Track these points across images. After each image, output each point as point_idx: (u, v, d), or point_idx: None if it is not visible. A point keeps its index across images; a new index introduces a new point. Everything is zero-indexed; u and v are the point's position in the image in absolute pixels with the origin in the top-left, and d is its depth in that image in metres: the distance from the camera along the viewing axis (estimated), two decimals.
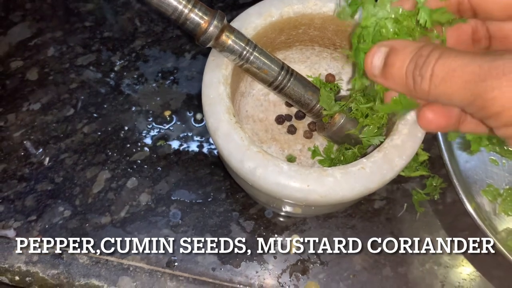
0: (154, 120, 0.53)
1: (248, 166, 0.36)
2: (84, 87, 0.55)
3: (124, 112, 0.54)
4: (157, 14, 0.58)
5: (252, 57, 0.37)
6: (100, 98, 0.55)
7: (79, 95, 0.55)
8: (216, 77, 0.38)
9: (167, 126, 0.53)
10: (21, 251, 0.47)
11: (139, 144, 0.52)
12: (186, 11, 0.35)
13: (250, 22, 0.40)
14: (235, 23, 0.40)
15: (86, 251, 0.48)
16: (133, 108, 0.54)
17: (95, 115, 0.54)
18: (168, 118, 0.53)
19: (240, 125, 0.37)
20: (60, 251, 0.47)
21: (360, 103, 0.41)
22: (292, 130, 0.46)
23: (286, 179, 0.35)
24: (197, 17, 0.35)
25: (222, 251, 0.48)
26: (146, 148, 0.52)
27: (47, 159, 0.52)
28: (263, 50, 0.38)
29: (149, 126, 0.53)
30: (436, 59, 0.26)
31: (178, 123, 0.53)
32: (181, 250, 0.48)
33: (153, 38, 0.57)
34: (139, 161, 0.52)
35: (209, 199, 0.50)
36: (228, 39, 0.36)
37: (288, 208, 0.45)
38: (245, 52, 0.37)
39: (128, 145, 0.52)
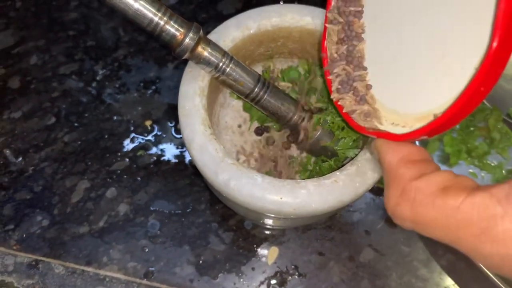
0: (135, 129, 0.53)
1: (222, 178, 0.36)
2: (66, 96, 0.55)
3: (105, 122, 0.54)
4: None
5: (228, 69, 0.38)
6: (82, 107, 0.54)
7: (60, 104, 0.55)
8: (192, 88, 0.38)
9: (147, 136, 0.53)
10: None
11: (119, 153, 0.52)
12: (161, 23, 0.35)
13: (228, 34, 0.41)
14: (213, 35, 0.40)
15: (63, 261, 0.47)
16: (114, 118, 0.54)
17: (76, 124, 0.54)
18: (149, 128, 0.53)
19: (215, 137, 0.37)
20: (36, 261, 0.47)
21: (336, 116, 0.41)
22: (270, 142, 0.46)
23: (260, 191, 0.35)
24: (172, 29, 0.35)
25: (200, 262, 0.48)
26: (126, 158, 0.52)
27: (27, 167, 0.52)
28: (240, 63, 0.38)
29: (129, 136, 0.53)
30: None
31: (159, 133, 0.53)
32: (159, 261, 0.48)
33: (136, 48, 0.57)
34: (118, 171, 0.52)
35: (188, 210, 0.50)
36: (204, 51, 0.37)
37: (266, 220, 0.45)
38: (221, 64, 0.37)
39: (108, 155, 0.52)
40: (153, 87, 0.55)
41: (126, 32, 0.58)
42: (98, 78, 0.56)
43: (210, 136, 0.37)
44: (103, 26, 0.58)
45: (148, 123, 0.54)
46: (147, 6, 0.35)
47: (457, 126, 0.52)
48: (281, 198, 0.35)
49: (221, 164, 0.36)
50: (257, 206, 0.36)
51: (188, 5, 0.60)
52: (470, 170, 0.52)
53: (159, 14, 0.35)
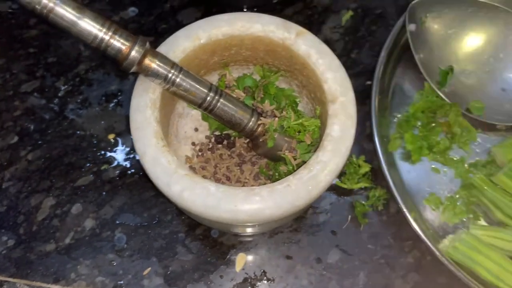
0: (98, 144, 0.53)
1: (175, 190, 0.36)
2: (28, 114, 0.55)
3: (69, 138, 0.54)
4: None
5: (178, 80, 0.38)
6: (45, 124, 0.54)
7: (23, 122, 0.54)
8: (144, 101, 0.38)
9: (111, 150, 0.53)
10: None
11: (84, 169, 0.52)
12: (106, 38, 0.35)
13: (178, 45, 0.41)
14: (163, 47, 0.41)
15: (30, 281, 0.47)
16: (78, 133, 0.54)
17: (39, 141, 0.53)
18: (113, 141, 0.53)
19: (168, 149, 0.37)
20: (1, 283, 0.47)
21: (290, 121, 0.41)
22: (231, 149, 0.46)
23: (214, 201, 0.35)
24: (118, 43, 0.35)
25: (168, 273, 0.48)
26: (90, 173, 0.52)
27: None
28: (190, 73, 0.39)
29: (93, 150, 0.53)
30: None
31: (123, 146, 0.53)
32: (127, 274, 0.48)
33: (97, 62, 0.57)
34: (83, 187, 0.51)
35: (154, 222, 0.50)
36: (152, 63, 0.37)
37: (231, 228, 0.45)
38: (170, 75, 0.37)
39: (73, 171, 0.52)
40: (115, 100, 0.55)
41: (87, 47, 0.58)
42: (60, 94, 0.56)
43: (163, 148, 0.37)
44: (64, 41, 0.58)
45: (111, 136, 0.54)
46: (91, 22, 0.35)
47: (419, 123, 0.53)
48: (235, 206, 0.35)
49: (174, 176, 0.36)
50: (212, 216, 0.36)
51: (148, 16, 0.60)
52: (433, 166, 0.53)
53: (104, 30, 0.35)
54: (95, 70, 0.57)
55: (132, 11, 0.60)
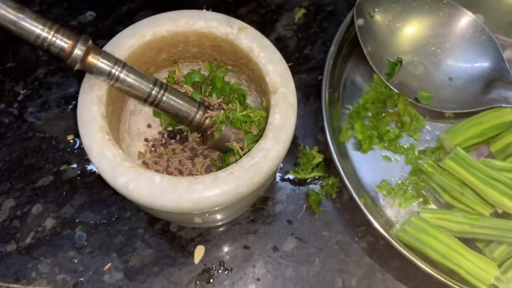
0: (57, 145, 0.54)
1: (121, 181, 0.37)
2: None
3: (28, 140, 0.54)
4: None
5: (122, 76, 0.39)
6: (4, 128, 0.55)
7: None
8: (89, 98, 0.40)
9: (70, 150, 0.54)
10: None
11: (43, 170, 0.53)
12: (49, 37, 0.36)
13: (124, 43, 0.42)
14: (109, 46, 0.42)
15: None
16: (37, 135, 0.55)
17: None
18: (72, 142, 0.54)
19: (113, 143, 0.38)
20: None
21: (236, 113, 0.43)
22: (183, 143, 0.48)
23: (159, 190, 0.37)
24: (61, 42, 0.37)
25: (128, 267, 0.49)
26: (50, 174, 0.53)
27: None
28: (133, 69, 0.40)
29: (52, 151, 0.54)
30: None
31: (82, 146, 0.54)
32: (88, 270, 0.49)
33: (56, 65, 0.58)
34: (43, 187, 0.52)
35: (113, 219, 0.51)
36: (95, 60, 0.38)
37: (187, 220, 0.46)
38: (114, 71, 0.39)
39: (33, 172, 0.53)
40: (74, 102, 0.56)
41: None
42: (19, 98, 0.57)
43: (108, 142, 0.38)
44: (22, 47, 0.59)
45: (70, 137, 0.55)
46: (32, 22, 0.36)
47: (369, 113, 0.55)
48: (179, 195, 0.37)
49: (119, 168, 0.37)
50: (157, 205, 0.37)
51: (105, 20, 0.61)
52: (384, 154, 0.54)
53: (46, 29, 0.36)
54: (54, 74, 0.58)
55: (89, 15, 0.61)
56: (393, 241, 0.47)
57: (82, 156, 0.54)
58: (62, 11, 0.61)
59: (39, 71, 0.58)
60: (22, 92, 0.57)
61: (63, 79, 0.58)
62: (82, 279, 0.49)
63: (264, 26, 0.61)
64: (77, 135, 0.55)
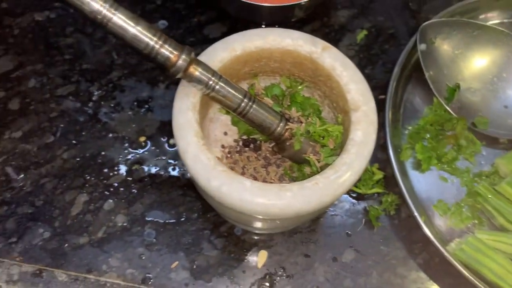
0: (130, 145, 0.57)
1: (214, 184, 0.39)
2: (64, 116, 0.59)
3: (102, 139, 0.57)
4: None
5: (217, 87, 0.42)
6: (79, 126, 0.58)
7: (58, 124, 0.58)
8: (185, 104, 0.42)
9: (142, 151, 0.57)
10: (1, 271, 0.49)
11: (116, 168, 0.56)
12: (157, 46, 0.39)
13: (216, 55, 0.45)
14: (203, 56, 0.45)
15: (65, 270, 0.50)
16: (110, 135, 0.58)
17: (74, 142, 0.57)
18: (143, 144, 0.57)
19: (207, 147, 0.41)
20: (40, 270, 0.50)
21: (316, 127, 0.45)
22: (257, 151, 0.50)
23: (249, 195, 0.39)
24: (167, 51, 0.39)
25: (194, 267, 0.51)
26: (122, 172, 0.56)
27: (28, 183, 0.55)
28: (228, 80, 0.43)
29: (125, 151, 0.57)
30: None
31: (153, 148, 0.57)
32: (156, 267, 0.51)
33: (129, 70, 0.61)
34: (115, 184, 0.55)
35: (181, 219, 0.54)
36: (195, 71, 0.41)
37: (255, 224, 0.49)
38: (211, 82, 0.41)
39: (105, 170, 0.56)
40: (146, 106, 0.59)
41: (119, 56, 0.62)
42: (94, 98, 0.60)
43: (203, 146, 0.41)
44: (98, 50, 0.62)
45: (142, 139, 0.57)
46: (144, 32, 0.39)
47: (427, 135, 0.57)
48: (268, 200, 0.39)
49: (213, 172, 0.40)
50: (247, 209, 0.40)
51: (177, 29, 0.64)
52: (441, 175, 0.57)
53: (155, 39, 0.39)
54: (127, 78, 0.61)
55: (162, 24, 0.64)
56: (451, 259, 0.49)
57: (153, 157, 0.56)
58: None
59: (113, 74, 0.61)
60: (96, 92, 0.60)
61: (136, 83, 0.61)
62: (150, 275, 0.51)
63: None
64: (149, 137, 0.57)
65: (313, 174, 0.46)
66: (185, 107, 0.42)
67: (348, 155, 0.41)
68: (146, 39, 0.39)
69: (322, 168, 0.45)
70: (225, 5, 0.63)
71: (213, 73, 0.42)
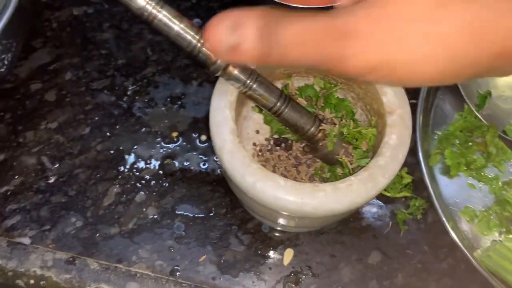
0: (162, 140, 0.58)
1: (249, 181, 0.40)
2: (99, 109, 0.60)
3: (135, 133, 0.59)
4: (167, 44, 0.64)
5: (255, 85, 0.43)
6: (113, 119, 0.59)
7: (93, 116, 0.60)
8: (223, 102, 0.43)
9: (173, 146, 0.58)
10: (36, 257, 0.51)
11: (148, 161, 0.57)
12: (199, 45, 0.40)
13: None
14: None
15: (96, 259, 0.52)
16: (143, 129, 0.59)
17: (108, 134, 0.59)
18: (175, 139, 0.58)
19: (242, 145, 0.42)
20: (73, 258, 0.51)
21: (350, 128, 0.46)
22: (288, 151, 0.51)
23: (283, 193, 0.40)
24: (209, 51, 0.40)
25: (221, 261, 0.52)
26: (154, 166, 0.57)
27: (62, 173, 0.56)
28: (264, 80, 0.43)
29: (157, 146, 0.58)
30: (284, 26, 0.28)
31: (184, 143, 0.58)
32: (184, 260, 0.52)
33: (163, 66, 0.63)
34: (147, 177, 0.56)
35: (210, 214, 0.55)
36: (234, 70, 0.42)
37: (283, 222, 0.49)
38: (248, 81, 0.42)
39: (138, 163, 0.57)
40: (179, 102, 0.60)
41: (154, 52, 0.63)
42: (128, 93, 0.61)
43: (238, 144, 0.42)
44: (133, 46, 0.64)
45: (174, 134, 0.59)
46: (187, 30, 0.40)
47: (457, 141, 0.57)
48: (301, 199, 0.40)
49: (248, 169, 0.41)
50: (279, 206, 0.40)
51: None
52: (469, 181, 0.57)
53: (197, 37, 0.40)
54: (161, 74, 0.62)
55: (196, 22, 0.66)
56: (478, 266, 0.49)
57: (184, 152, 0.58)
58: None
59: (148, 70, 0.63)
60: (131, 87, 0.62)
61: (169, 80, 0.62)
62: (178, 267, 0.52)
63: None
64: (181, 133, 0.59)
65: (344, 175, 0.46)
66: (223, 105, 0.43)
67: (383, 158, 0.42)
68: (189, 37, 0.40)
69: (354, 170, 0.46)
70: (259, 5, 0.64)
71: (251, 72, 0.42)
